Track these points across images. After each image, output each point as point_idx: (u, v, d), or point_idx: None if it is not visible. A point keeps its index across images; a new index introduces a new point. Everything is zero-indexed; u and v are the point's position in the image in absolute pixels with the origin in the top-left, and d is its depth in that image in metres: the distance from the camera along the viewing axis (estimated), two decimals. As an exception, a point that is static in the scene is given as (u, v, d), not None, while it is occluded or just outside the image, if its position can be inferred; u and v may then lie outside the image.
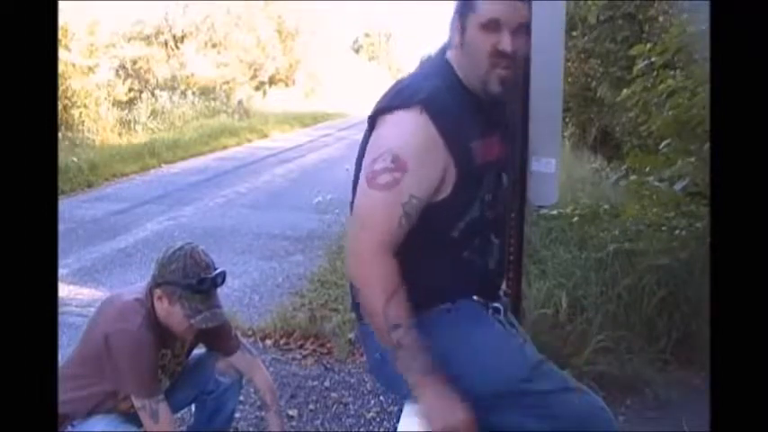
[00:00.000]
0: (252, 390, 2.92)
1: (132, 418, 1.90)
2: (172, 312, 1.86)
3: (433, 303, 1.39)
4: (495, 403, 1.37)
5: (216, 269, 1.89)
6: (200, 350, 2.19)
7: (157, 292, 1.87)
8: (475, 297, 1.44)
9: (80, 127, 10.96)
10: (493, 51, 1.33)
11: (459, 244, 1.39)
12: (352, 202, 1.38)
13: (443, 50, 1.45)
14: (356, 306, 1.50)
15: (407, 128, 1.31)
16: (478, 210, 1.39)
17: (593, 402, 1.42)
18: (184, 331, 1.91)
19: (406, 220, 1.29)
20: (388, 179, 1.27)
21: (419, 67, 1.51)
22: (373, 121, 1.37)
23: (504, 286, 2.08)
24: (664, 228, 3.50)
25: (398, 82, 1.44)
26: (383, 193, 1.28)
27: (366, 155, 1.35)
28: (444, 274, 1.40)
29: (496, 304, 1.47)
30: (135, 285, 2.04)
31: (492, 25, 1.32)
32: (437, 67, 1.43)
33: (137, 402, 1.83)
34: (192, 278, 1.83)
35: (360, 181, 1.33)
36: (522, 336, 1.52)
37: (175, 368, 2.05)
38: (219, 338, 2.09)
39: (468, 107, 1.37)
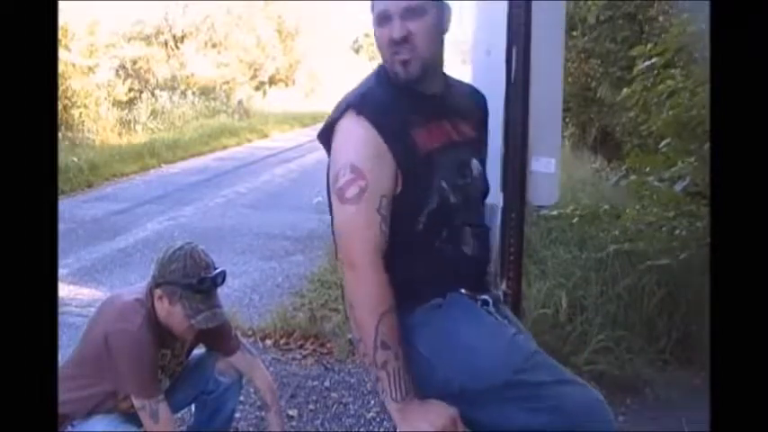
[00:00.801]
0: (252, 390, 2.92)
1: (132, 418, 1.90)
2: (172, 312, 1.86)
3: (418, 299, 1.39)
4: (491, 396, 1.36)
5: (216, 269, 1.89)
6: (199, 350, 2.19)
7: (158, 292, 1.87)
8: (463, 290, 1.43)
9: (80, 127, 10.96)
10: (389, 42, 1.38)
11: (426, 236, 1.40)
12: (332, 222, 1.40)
13: None
14: None
15: (351, 134, 1.35)
16: (436, 201, 1.39)
17: (590, 395, 1.41)
18: (185, 331, 1.91)
19: (384, 223, 1.32)
20: (355, 191, 1.30)
21: None
22: (324, 140, 1.41)
23: (503, 286, 2.08)
24: (664, 228, 3.50)
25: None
26: (356, 205, 1.30)
27: (330, 172, 1.38)
28: (419, 267, 1.40)
29: (485, 296, 1.46)
30: (135, 285, 2.04)
31: (383, 19, 1.38)
32: (375, 71, 1.47)
33: (137, 402, 1.83)
34: (193, 278, 1.83)
35: (333, 201, 1.36)
36: (516, 326, 1.51)
37: (175, 368, 2.05)
38: (220, 338, 2.09)
39: (405, 100, 1.40)
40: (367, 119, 1.33)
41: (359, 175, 1.30)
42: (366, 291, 1.29)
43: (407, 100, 1.41)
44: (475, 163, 1.50)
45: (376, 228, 1.31)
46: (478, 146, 1.56)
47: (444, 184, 1.40)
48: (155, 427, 1.83)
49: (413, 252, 1.39)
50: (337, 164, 1.34)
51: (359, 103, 1.36)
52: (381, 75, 1.45)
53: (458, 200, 1.42)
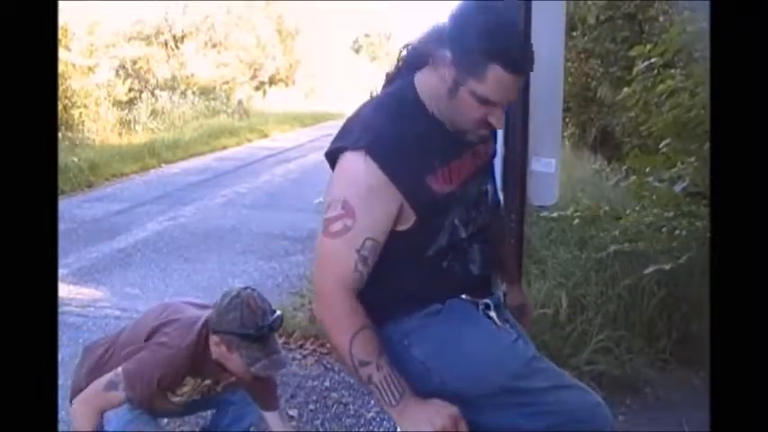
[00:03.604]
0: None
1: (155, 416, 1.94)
2: (230, 358, 1.87)
3: (419, 307, 1.39)
4: (489, 402, 1.36)
5: (273, 312, 1.89)
6: None
7: (215, 338, 1.87)
8: (464, 296, 1.43)
9: (80, 127, 10.96)
10: (482, 120, 1.30)
11: (435, 259, 1.39)
12: None
13: (406, 68, 1.39)
14: None
15: (354, 172, 1.30)
16: (446, 238, 1.37)
17: (590, 399, 1.41)
18: (243, 376, 1.93)
19: (363, 263, 1.30)
20: (339, 227, 1.29)
21: (380, 94, 1.44)
22: (330, 159, 1.37)
23: (504, 286, 2.07)
24: (664, 228, 3.50)
25: (351, 118, 1.41)
26: (335, 240, 1.29)
27: (325, 199, 1.35)
28: (425, 283, 1.39)
29: (486, 300, 1.45)
30: (202, 310, 2.02)
31: (489, 102, 1.27)
32: (395, 94, 1.38)
33: (114, 377, 1.83)
34: (249, 328, 1.83)
35: (320, 228, 1.35)
36: (516, 331, 1.51)
37: (196, 396, 2.06)
38: (263, 391, 2.13)
39: (430, 134, 1.34)
40: (377, 163, 1.27)
41: (348, 213, 1.28)
42: (333, 319, 1.32)
43: (435, 134, 1.34)
44: (490, 186, 1.49)
45: (350, 266, 1.29)
46: (492, 161, 1.53)
47: (457, 222, 1.38)
48: (91, 404, 1.83)
49: (418, 271, 1.38)
50: (331, 194, 1.32)
51: (373, 146, 1.28)
52: (409, 102, 1.35)
53: (468, 232, 1.40)
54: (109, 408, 1.83)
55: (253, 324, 1.83)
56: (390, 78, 1.43)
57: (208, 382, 2.00)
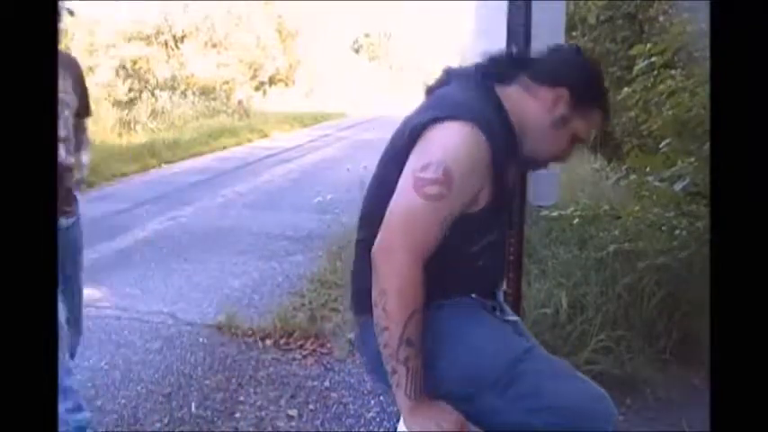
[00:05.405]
0: (252, 389, 2.93)
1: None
2: None
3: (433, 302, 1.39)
4: (491, 396, 1.37)
5: None
6: None
7: None
8: (473, 295, 1.45)
9: (80, 127, 10.97)
10: (557, 156, 1.50)
11: (475, 257, 1.41)
12: (366, 197, 1.43)
13: (481, 74, 1.46)
14: (355, 298, 1.50)
15: (461, 141, 1.30)
16: (495, 235, 1.43)
17: (592, 391, 1.42)
18: None
19: (439, 237, 1.30)
20: (435, 191, 1.27)
21: (449, 81, 1.49)
22: (421, 128, 1.34)
23: (504, 286, 2.09)
24: (664, 228, 3.51)
25: (439, 94, 1.45)
26: (428, 203, 1.27)
27: (414, 156, 1.32)
28: (455, 279, 1.40)
29: (493, 303, 1.48)
30: None
31: (577, 140, 1.46)
32: (481, 92, 1.42)
33: None
34: None
35: (404, 182, 1.31)
36: (519, 330, 1.54)
37: None
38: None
39: (507, 135, 1.39)
40: (485, 136, 1.30)
41: (447, 181, 1.27)
42: (402, 285, 1.27)
43: (510, 137, 1.40)
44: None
45: (431, 233, 1.29)
46: None
47: (506, 219, 1.47)
48: None
49: (456, 267, 1.39)
50: (432, 155, 1.29)
51: (483, 121, 1.32)
52: (495, 102, 1.41)
53: (503, 233, 1.49)
54: None
55: None
56: (447, 78, 1.50)
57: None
